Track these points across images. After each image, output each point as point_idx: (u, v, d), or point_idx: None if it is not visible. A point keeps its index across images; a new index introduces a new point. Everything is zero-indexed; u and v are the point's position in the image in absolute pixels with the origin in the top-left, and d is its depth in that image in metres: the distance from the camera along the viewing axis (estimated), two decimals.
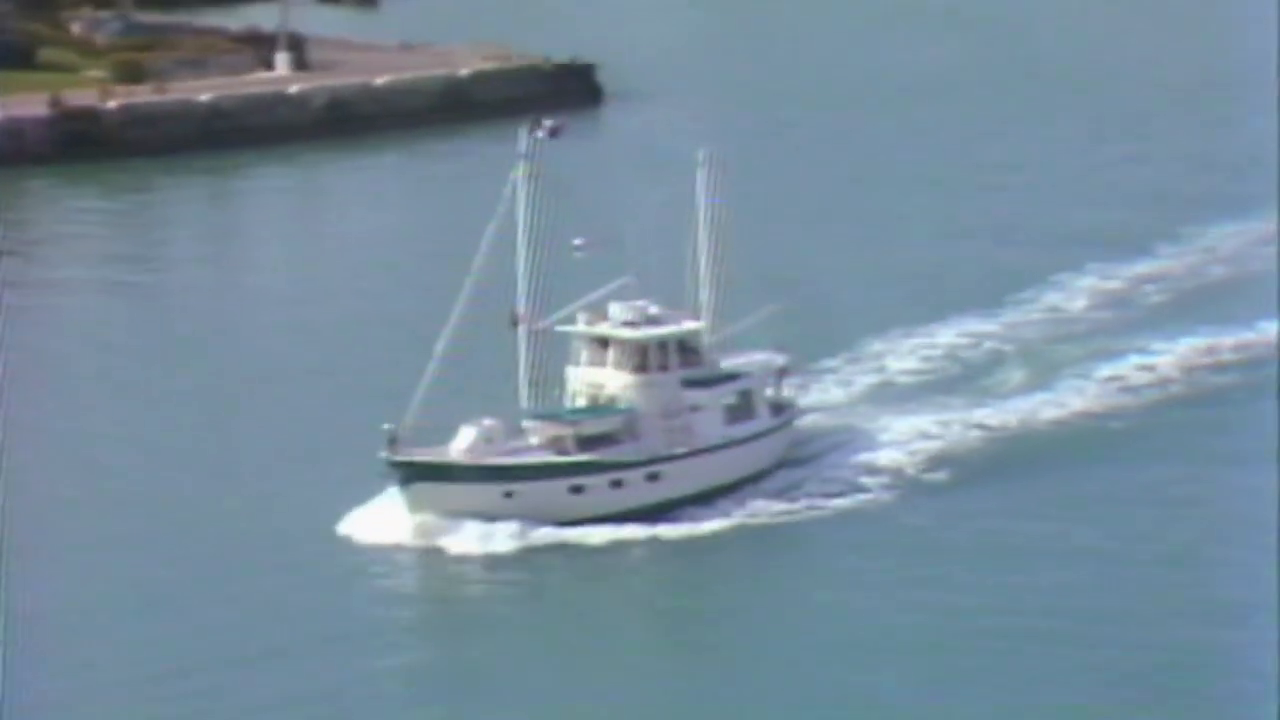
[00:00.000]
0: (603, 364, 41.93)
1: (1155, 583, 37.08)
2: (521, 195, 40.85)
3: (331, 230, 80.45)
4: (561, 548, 39.00)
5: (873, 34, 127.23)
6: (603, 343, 42.01)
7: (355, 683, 33.46)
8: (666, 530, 40.00)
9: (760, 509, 41.25)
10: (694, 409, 41.96)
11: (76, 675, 33.24)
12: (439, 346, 40.11)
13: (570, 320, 42.11)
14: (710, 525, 40.48)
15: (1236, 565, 37.82)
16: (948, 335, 53.32)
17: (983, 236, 68.50)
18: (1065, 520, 40.29)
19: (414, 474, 39.16)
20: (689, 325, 42.98)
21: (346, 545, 39.45)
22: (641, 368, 41.63)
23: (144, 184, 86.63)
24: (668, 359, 42.01)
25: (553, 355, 42.12)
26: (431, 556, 38.99)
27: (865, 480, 42.74)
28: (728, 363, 43.68)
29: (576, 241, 41.97)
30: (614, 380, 41.66)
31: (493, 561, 38.74)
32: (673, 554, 39.54)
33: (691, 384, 42.24)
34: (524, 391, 41.48)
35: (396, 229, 76.89)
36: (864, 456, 44.23)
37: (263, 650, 34.24)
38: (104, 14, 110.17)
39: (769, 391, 44.22)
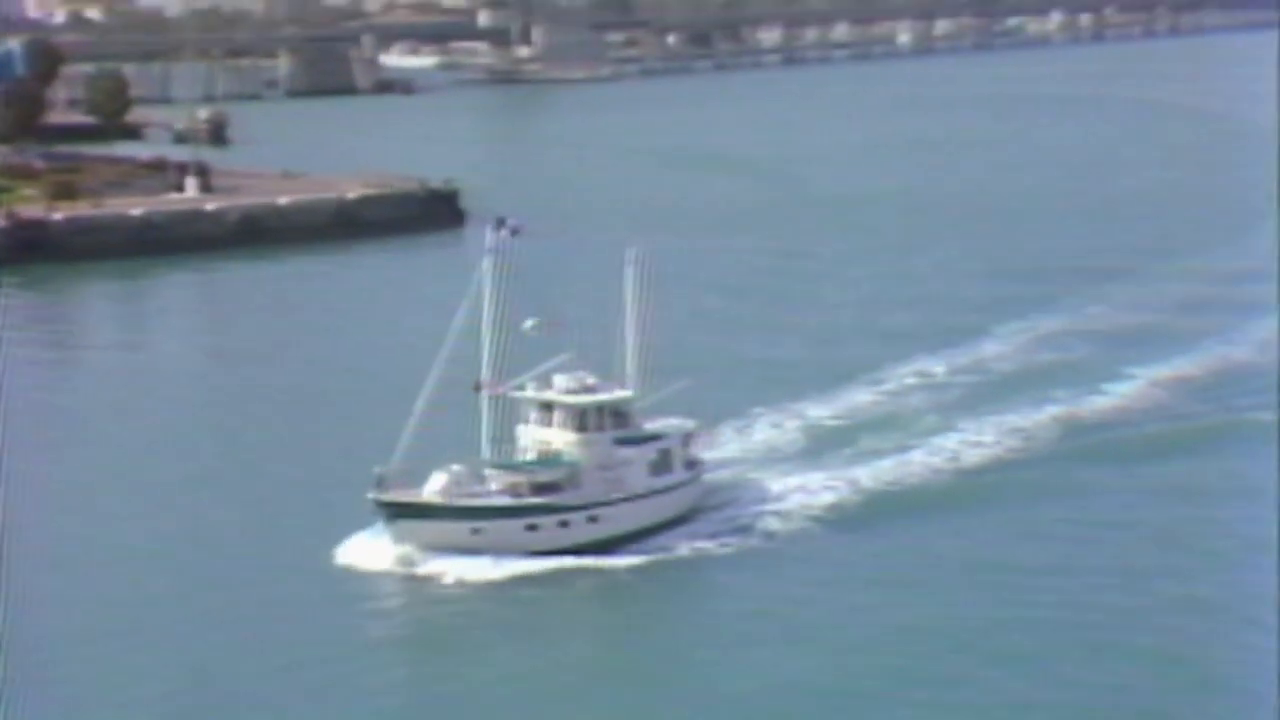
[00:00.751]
0: (549, 424, 50.26)
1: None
2: (488, 283, 49.27)
3: (292, 316, 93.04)
4: (521, 577, 47.01)
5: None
6: (549, 407, 50.37)
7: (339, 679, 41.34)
8: (604, 563, 48.29)
9: (678, 546, 49.76)
10: (624, 463, 50.43)
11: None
12: (417, 405, 48.19)
13: (521, 388, 50.53)
14: (635, 560, 48.87)
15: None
16: (819, 411, 62.74)
17: (826, 335, 79.08)
18: (919, 554, 49.48)
19: (397, 512, 47.04)
20: (619, 394, 51.50)
21: (342, 572, 47.31)
22: (581, 428, 50.04)
23: (88, 282, 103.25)
24: (603, 421, 50.45)
25: (507, 417, 50.47)
26: (411, 582, 46.86)
27: (758, 524, 51.49)
28: (650, 425, 52.32)
29: (529, 322, 50.34)
30: (559, 438, 49.99)
31: (464, 586, 46.61)
32: (609, 583, 47.77)
33: (622, 442, 50.68)
34: (485, 445, 49.64)
35: (316, 319, 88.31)
36: (756, 506, 53.01)
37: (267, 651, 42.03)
38: (23, 146, 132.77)
39: (682, 450, 52.98)
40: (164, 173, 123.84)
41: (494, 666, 42.12)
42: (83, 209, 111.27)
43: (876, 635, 43.02)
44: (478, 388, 49.65)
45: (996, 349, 73.59)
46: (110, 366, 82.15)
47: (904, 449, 58.59)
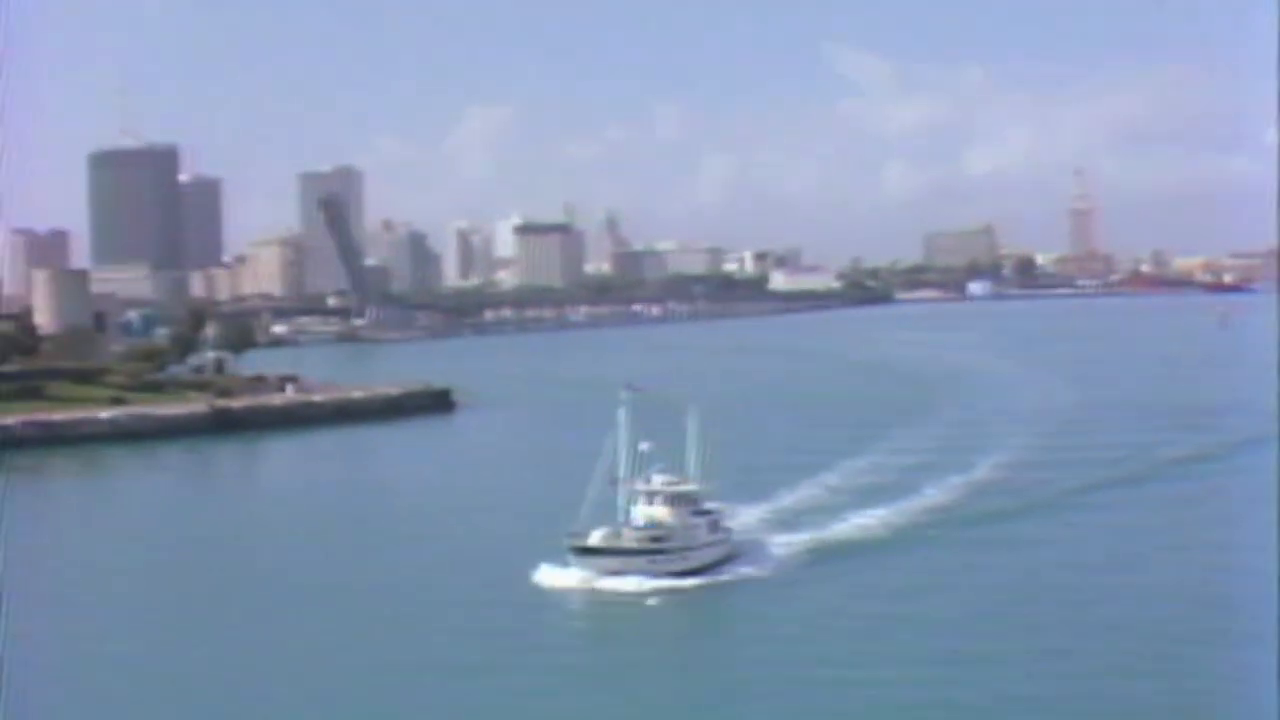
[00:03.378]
0: (653, 504, 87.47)
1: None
2: (623, 423, 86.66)
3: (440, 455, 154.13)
4: (647, 589, 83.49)
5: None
6: (653, 494, 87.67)
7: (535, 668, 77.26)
8: (688, 582, 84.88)
9: (726, 574, 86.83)
10: (695, 526, 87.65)
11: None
12: (588, 492, 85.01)
13: (639, 483, 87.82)
14: (704, 580, 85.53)
15: None
16: (795, 495, 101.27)
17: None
18: (895, 584, 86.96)
19: (580, 551, 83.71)
20: (691, 487, 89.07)
21: (542, 589, 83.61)
22: (672, 506, 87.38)
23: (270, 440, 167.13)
24: (683, 502, 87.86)
25: (629, 500, 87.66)
26: (589, 595, 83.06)
27: (765, 562, 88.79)
28: (707, 504, 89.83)
29: (625, 389, 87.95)
30: (659, 512, 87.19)
31: (616, 595, 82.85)
32: (691, 593, 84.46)
33: (694, 514, 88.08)
34: (620, 515, 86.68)
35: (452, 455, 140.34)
36: (763, 552, 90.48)
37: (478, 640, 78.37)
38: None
39: (722, 520, 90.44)
40: (265, 382, 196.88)
41: (636, 633, 78.43)
42: (240, 401, 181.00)
43: (857, 624, 79.99)
44: (613, 481, 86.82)
45: None
46: (342, 478, 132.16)
47: (848, 517, 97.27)
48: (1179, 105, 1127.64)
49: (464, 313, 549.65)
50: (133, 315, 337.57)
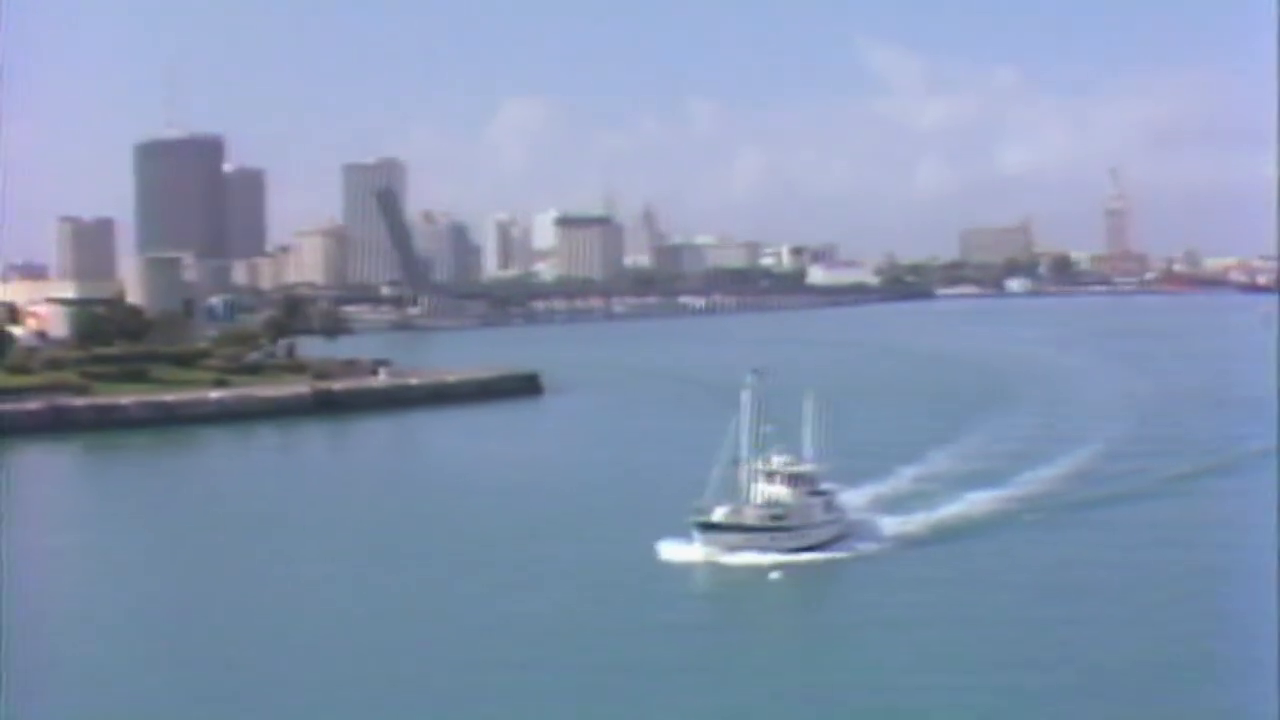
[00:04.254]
0: (773, 484, 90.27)
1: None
2: (747, 406, 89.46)
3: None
4: (768, 564, 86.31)
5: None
6: (773, 474, 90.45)
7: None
8: (805, 557, 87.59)
9: (841, 549, 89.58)
10: (811, 506, 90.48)
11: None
12: (713, 474, 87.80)
13: (758, 464, 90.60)
14: (821, 555, 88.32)
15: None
16: (900, 479, 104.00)
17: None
18: (979, 557, 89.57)
19: (704, 527, 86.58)
20: (808, 467, 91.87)
21: (667, 564, 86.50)
22: (791, 485, 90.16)
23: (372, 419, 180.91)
24: (801, 481, 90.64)
25: (750, 479, 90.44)
26: (711, 570, 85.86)
27: (875, 539, 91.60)
28: (823, 484, 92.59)
29: (751, 374, 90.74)
30: (779, 491, 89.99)
31: (739, 568, 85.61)
32: (810, 566, 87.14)
33: (811, 494, 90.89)
34: (742, 494, 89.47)
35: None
36: (877, 531, 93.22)
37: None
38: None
39: (836, 499, 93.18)
40: (357, 365, 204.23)
41: (759, 601, 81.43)
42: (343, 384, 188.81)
43: (953, 591, 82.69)
44: (735, 463, 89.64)
45: None
46: (464, 455, 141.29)
47: (943, 504, 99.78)
48: (1207, 108, 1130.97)
49: (510, 302, 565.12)
50: (215, 301, 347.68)
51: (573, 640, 70.40)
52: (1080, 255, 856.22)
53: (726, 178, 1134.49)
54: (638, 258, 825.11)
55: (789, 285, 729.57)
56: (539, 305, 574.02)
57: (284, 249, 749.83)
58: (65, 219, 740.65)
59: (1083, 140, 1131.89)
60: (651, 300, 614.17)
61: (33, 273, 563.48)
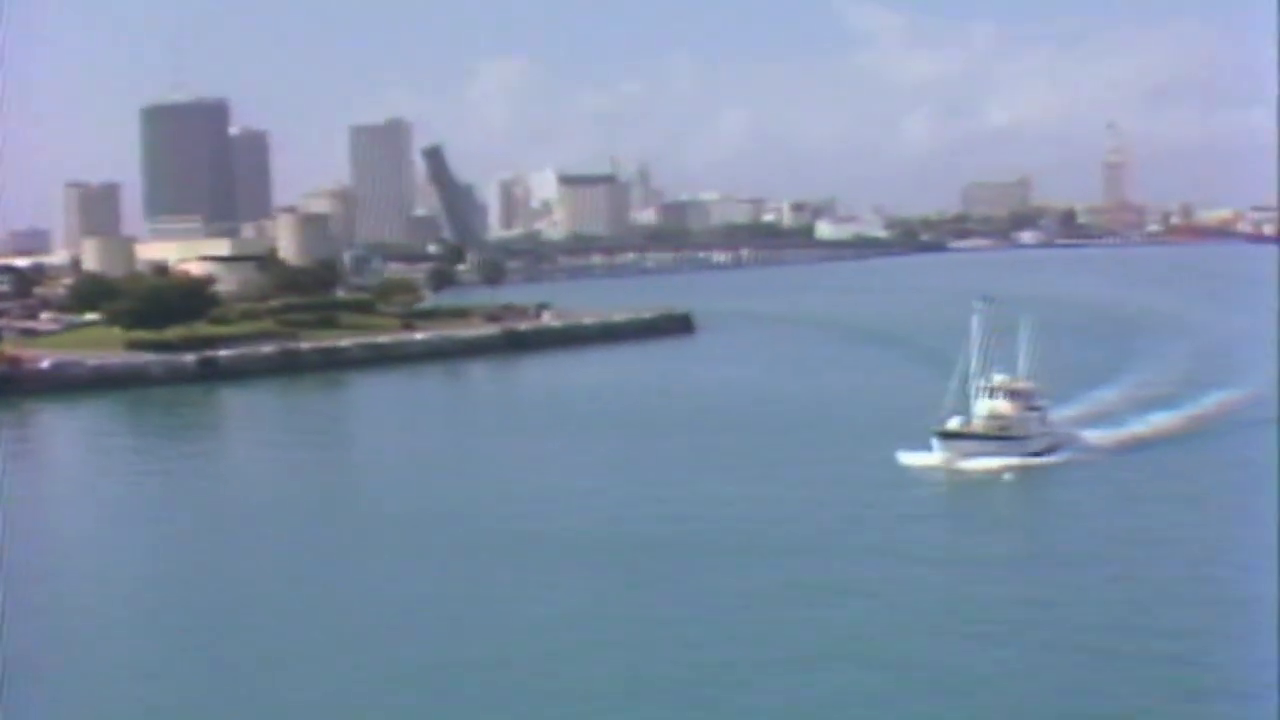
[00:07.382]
0: (995, 399, 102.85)
1: None
2: (976, 327, 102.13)
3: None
4: (998, 468, 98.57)
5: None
6: (995, 390, 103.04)
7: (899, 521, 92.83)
8: (1030, 462, 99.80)
9: (1058, 457, 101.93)
10: (1029, 419, 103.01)
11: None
12: (949, 390, 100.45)
13: (982, 381, 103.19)
14: (1043, 460, 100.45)
15: None
16: (1090, 399, 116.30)
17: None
18: (1184, 470, 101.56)
19: (943, 435, 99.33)
20: (1026, 384, 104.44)
21: (908, 468, 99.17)
22: (1012, 399, 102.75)
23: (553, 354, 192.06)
24: (1022, 397, 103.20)
25: (975, 396, 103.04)
26: (950, 473, 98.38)
27: (1086, 449, 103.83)
28: (1039, 399, 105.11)
29: (979, 300, 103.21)
30: (1001, 406, 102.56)
31: (973, 472, 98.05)
32: (1035, 472, 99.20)
33: (1029, 408, 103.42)
34: (971, 408, 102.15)
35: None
36: (1084, 442, 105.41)
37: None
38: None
39: (1049, 413, 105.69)
40: (520, 309, 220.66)
41: (990, 500, 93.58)
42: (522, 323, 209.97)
43: (1160, 481, 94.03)
44: (965, 380, 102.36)
45: None
46: (665, 369, 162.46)
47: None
48: (1194, 61, 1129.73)
49: (544, 259, 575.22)
50: (346, 255, 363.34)
51: (859, 526, 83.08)
52: (1078, 208, 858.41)
53: (714, 135, 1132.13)
54: (638, 214, 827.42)
55: (799, 240, 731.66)
56: (577, 261, 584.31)
57: (291, 210, 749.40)
58: (72, 184, 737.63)
59: (1069, 95, 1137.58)
60: (678, 254, 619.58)
61: (35, 238, 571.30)
